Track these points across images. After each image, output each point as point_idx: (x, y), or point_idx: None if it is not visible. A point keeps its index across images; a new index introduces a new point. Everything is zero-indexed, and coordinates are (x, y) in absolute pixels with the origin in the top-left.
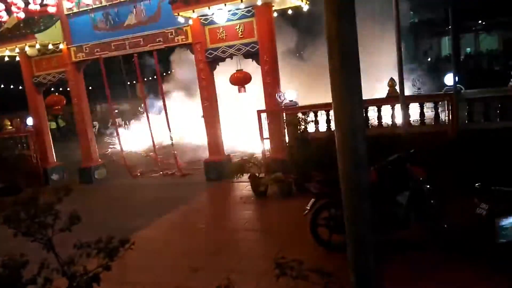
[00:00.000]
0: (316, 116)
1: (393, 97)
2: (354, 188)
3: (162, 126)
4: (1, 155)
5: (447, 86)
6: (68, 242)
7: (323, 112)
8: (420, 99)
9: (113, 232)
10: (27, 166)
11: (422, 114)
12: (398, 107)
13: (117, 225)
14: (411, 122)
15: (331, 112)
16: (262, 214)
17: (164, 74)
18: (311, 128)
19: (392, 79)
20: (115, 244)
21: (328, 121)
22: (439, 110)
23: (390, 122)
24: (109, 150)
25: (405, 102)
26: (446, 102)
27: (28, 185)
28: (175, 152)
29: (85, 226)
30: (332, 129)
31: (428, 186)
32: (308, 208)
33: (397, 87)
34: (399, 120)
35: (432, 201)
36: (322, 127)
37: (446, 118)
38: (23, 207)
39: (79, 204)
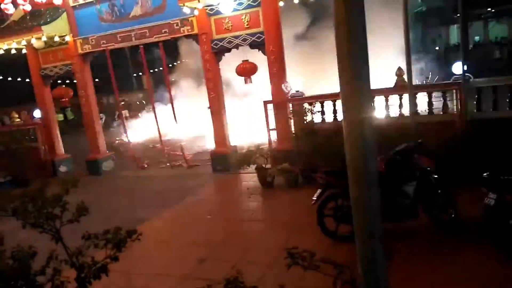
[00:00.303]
0: (322, 106)
1: (401, 86)
2: (362, 177)
3: (170, 117)
4: (9, 147)
5: (455, 75)
6: (77, 233)
7: (330, 102)
8: (428, 88)
9: (120, 223)
10: (35, 158)
11: (430, 103)
12: (406, 96)
13: (125, 216)
14: (419, 111)
15: (338, 102)
16: (269, 204)
17: (174, 64)
18: (317, 118)
19: (400, 68)
20: (122, 235)
21: (334, 112)
22: (447, 100)
23: (398, 112)
24: (116, 141)
25: (413, 91)
26: (454, 91)
27: (36, 177)
28: (182, 143)
29: (93, 218)
30: (339, 120)
31: (435, 176)
32: (315, 198)
33: (405, 76)
34: (406, 109)
35: (439, 191)
36: (329, 118)
37: (455, 107)
38: (31, 198)
39: (86, 195)
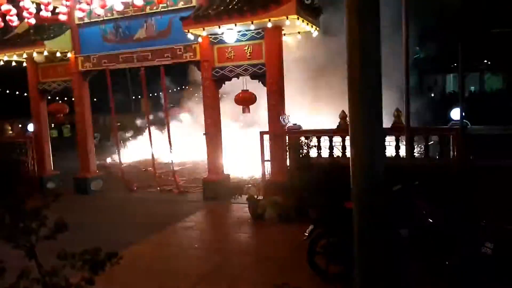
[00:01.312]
0: (319, 141)
1: (398, 127)
2: (368, 210)
3: (166, 142)
4: None
5: (453, 120)
6: (54, 251)
7: (327, 137)
8: (425, 131)
9: (102, 245)
10: (23, 173)
11: (427, 146)
12: (401, 138)
13: (108, 238)
14: (415, 154)
15: (335, 139)
16: (259, 237)
17: (182, 88)
18: (313, 153)
19: (397, 110)
20: (101, 257)
21: (331, 148)
22: (444, 144)
23: (394, 153)
24: (108, 162)
25: (410, 133)
26: (451, 136)
27: (23, 192)
28: (174, 168)
29: (74, 237)
30: (335, 156)
31: (431, 221)
32: (307, 234)
33: (402, 118)
34: (402, 151)
35: (435, 236)
36: (325, 153)
37: (452, 152)
38: (9, 210)
39: (71, 214)
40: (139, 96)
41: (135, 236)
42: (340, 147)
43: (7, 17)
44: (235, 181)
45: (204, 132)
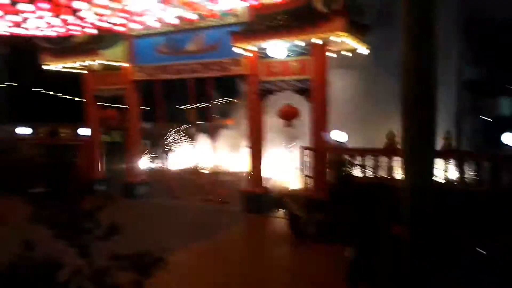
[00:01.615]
0: (363, 160)
1: (447, 151)
2: (419, 234)
3: (211, 152)
4: (52, 160)
5: (505, 145)
6: (101, 252)
7: (371, 156)
8: (476, 157)
9: (143, 249)
10: (74, 175)
11: (478, 172)
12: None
13: (151, 243)
14: (466, 178)
15: (380, 159)
16: (298, 254)
17: (231, 100)
18: (356, 171)
19: (448, 132)
20: (148, 260)
21: (375, 167)
22: (496, 170)
23: (442, 176)
24: (155, 168)
25: (461, 157)
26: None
27: (74, 193)
28: (216, 178)
29: (119, 239)
30: (378, 176)
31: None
32: (347, 254)
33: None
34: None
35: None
36: (368, 173)
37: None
38: (66, 211)
39: (117, 217)
40: (186, 106)
41: (176, 244)
42: (385, 168)
43: (69, 27)
44: (276, 195)
45: (247, 145)
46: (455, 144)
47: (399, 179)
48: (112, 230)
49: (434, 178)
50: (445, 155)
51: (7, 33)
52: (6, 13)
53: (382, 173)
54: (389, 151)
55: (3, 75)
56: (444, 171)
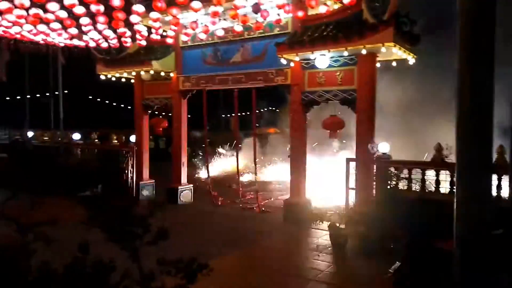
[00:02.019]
0: (410, 173)
1: (500, 165)
2: (472, 252)
3: (251, 160)
4: (103, 165)
5: None
6: (146, 256)
7: (419, 170)
8: None
9: (187, 255)
10: (123, 179)
11: None
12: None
13: (192, 249)
14: None
15: (428, 172)
16: (339, 268)
17: (275, 110)
18: (403, 185)
19: (501, 146)
20: (195, 266)
21: (423, 181)
22: None
23: (495, 193)
24: (197, 175)
25: None
26: None
27: (122, 197)
28: (257, 187)
29: (163, 244)
30: (427, 190)
31: None
32: (392, 270)
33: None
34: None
35: None
36: (416, 186)
37: None
38: (118, 215)
39: (161, 221)
40: (229, 115)
41: (217, 250)
42: (433, 182)
43: (122, 39)
44: (317, 206)
45: (289, 155)
46: (509, 159)
47: (446, 193)
48: (161, 235)
49: (489, 195)
50: (498, 170)
51: (66, 45)
52: (67, 26)
53: (430, 186)
54: (437, 163)
55: (59, 84)
56: (497, 187)
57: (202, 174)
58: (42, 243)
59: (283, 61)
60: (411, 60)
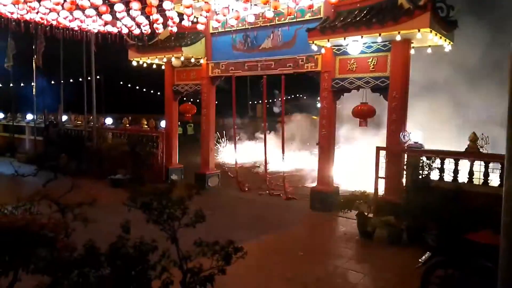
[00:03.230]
0: (442, 163)
1: (472, 153)
2: None
3: (278, 147)
4: (134, 149)
5: None
6: (180, 238)
7: (452, 160)
8: None
9: (218, 238)
10: (153, 163)
11: None
12: None
13: (220, 233)
14: None
15: (461, 162)
16: (365, 256)
17: (308, 97)
18: (434, 175)
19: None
20: (230, 250)
21: (456, 171)
22: None
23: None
24: (224, 161)
25: None
26: None
27: (152, 180)
28: (284, 174)
29: (192, 228)
30: (460, 181)
31: None
32: (422, 261)
33: None
34: None
35: None
36: (448, 177)
37: None
38: (158, 197)
39: (192, 206)
40: (256, 102)
41: (244, 235)
42: (467, 172)
43: (154, 25)
44: (345, 194)
45: (317, 142)
46: None
47: (480, 185)
48: (198, 218)
49: None
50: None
51: (100, 31)
52: (102, 13)
53: (463, 177)
54: (471, 154)
55: (92, 70)
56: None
57: (230, 160)
58: (81, 223)
59: (314, 47)
60: (447, 46)
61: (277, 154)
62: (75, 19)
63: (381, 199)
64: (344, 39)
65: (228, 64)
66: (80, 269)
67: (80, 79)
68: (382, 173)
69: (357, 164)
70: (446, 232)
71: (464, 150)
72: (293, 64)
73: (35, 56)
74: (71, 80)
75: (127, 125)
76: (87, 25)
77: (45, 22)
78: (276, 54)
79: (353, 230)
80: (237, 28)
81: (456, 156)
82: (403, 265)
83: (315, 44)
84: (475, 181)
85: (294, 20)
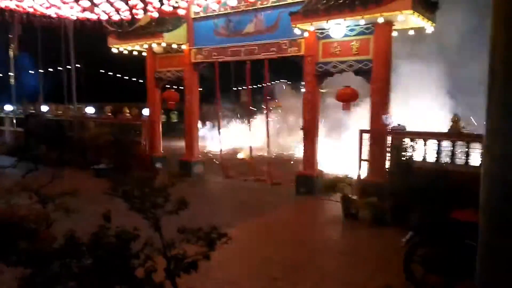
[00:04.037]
0: (425, 144)
1: (454, 134)
2: (498, 224)
3: (263, 133)
4: (117, 138)
5: None
6: (165, 226)
7: (434, 141)
8: None
9: (203, 224)
10: (137, 152)
11: None
12: None
13: (205, 219)
14: None
15: (443, 143)
16: (350, 237)
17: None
18: (417, 156)
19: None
20: (214, 235)
21: (438, 152)
22: None
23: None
24: (209, 148)
25: None
26: None
27: (136, 169)
28: (269, 159)
29: (180, 214)
30: (442, 162)
31: None
32: (405, 240)
33: None
34: None
35: None
36: (431, 157)
37: None
38: (139, 185)
39: (175, 193)
40: (239, 88)
41: (229, 220)
42: (448, 153)
43: (134, 11)
44: (329, 178)
45: (301, 127)
46: None
47: (462, 165)
48: (181, 205)
49: None
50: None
51: (78, 18)
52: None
53: (445, 158)
54: (453, 134)
55: (71, 58)
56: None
57: (214, 147)
58: (62, 213)
59: (297, 31)
60: (430, 28)
61: (264, 139)
62: (52, 5)
63: (364, 181)
64: (327, 22)
65: (210, 50)
66: (61, 259)
67: (60, 68)
68: (365, 156)
69: (342, 148)
70: (428, 212)
71: (446, 131)
72: (276, 49)
73: (11, 45)
74: (50, 69)
75: (109, 114)
76: (64, 12)
77: (21, 10)
78: (259, 39)
79: (337, 213)
80: (219, 13)
81: (439, 137)
82: (386, 245)
83: (298, 27)
84: (458, 161)
85: (277, 3)
